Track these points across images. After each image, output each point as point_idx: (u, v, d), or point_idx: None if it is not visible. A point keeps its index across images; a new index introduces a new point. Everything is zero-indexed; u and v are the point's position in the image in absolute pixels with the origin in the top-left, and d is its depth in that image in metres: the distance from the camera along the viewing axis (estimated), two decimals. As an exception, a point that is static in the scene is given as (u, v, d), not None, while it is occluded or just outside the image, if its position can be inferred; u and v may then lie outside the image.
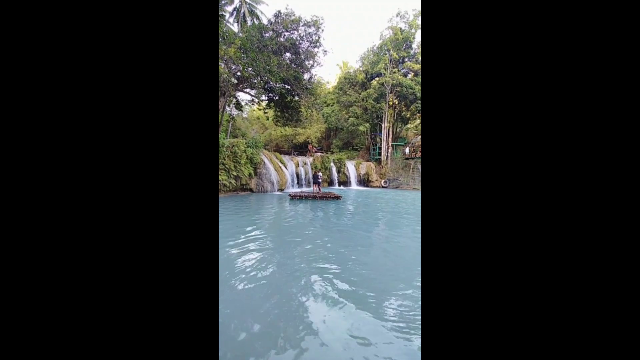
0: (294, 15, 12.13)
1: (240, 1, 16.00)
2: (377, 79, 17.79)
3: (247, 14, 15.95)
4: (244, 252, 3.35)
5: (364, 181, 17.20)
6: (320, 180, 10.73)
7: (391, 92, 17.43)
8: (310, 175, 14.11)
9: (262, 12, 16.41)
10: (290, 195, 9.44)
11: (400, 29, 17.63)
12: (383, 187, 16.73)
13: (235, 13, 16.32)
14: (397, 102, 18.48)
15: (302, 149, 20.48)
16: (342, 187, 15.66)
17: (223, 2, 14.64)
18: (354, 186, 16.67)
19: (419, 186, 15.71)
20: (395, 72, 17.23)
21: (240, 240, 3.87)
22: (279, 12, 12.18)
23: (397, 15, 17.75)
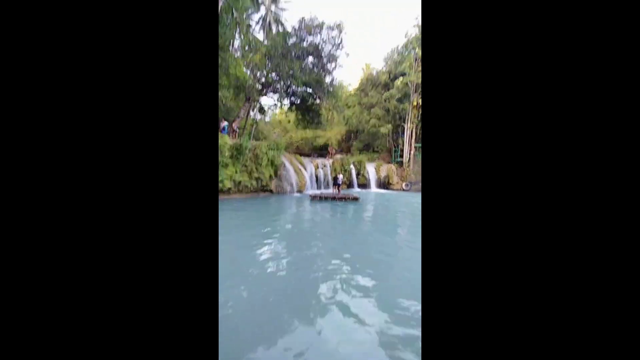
0: (317, 20, 12.34)
1: (266, 9, 16.65)
2: (400, 78, 17.25)
3: (272, 21, 16.58)
4: (271, 247, 3.62)
5: (384, 184, 16.77)
6: (340, 182, 11.07)
7: (416, 92, 16.77)
8: (330, 178, 14.17)
9: (286, 19, 16.93)
10: (310, 195, 9.83)
11: (427, 26, 16.85)
12: (404, 190, 16.16)
13: (261, 21, 17.05)
14: (421, 102, 17.70)
15: (322, 151, 20.61)
16: (361, 190, 15.46)
17: (250, 11, 15.39)
18: (374, 189, 16.35)
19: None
20: (420, 71, 16.55)
21: (270, 235, 4.18)
22: (303, 18, 12.49)
23: (423, 13, 17.02)
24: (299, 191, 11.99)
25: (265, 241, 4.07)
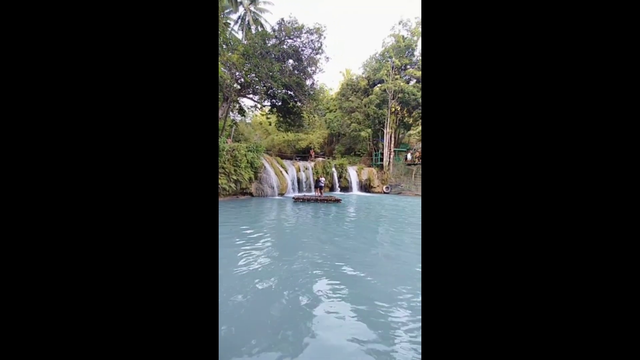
0: (297, 23, 12.35)
1: (245, 9, 16.40)
2: (379, 85, 17.91)
3: (251, 22, 16.33)
4: (259, 248, 3.31)
5: (366, 187, 17.06)
6: (322, 185, 11.14)
7: (393, 99, 17.47)
8: (312, 180, 14.10)
9: (266, 21, 16.80)
10: (294, 198, 9.96)
11: (403, 36, 17.83)
12: (385, 192, 16.57)
13: (240, 21, 16.72)
14: (399, 109, 18.49)
15: (304, 154, 20.53)
16: (343, 193, 15.55)
17: (227, 10, 15.02)
18: (356, 191, 16.53)
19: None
20: (397, 79, 17.31)
21: (253, 238, 3.82)
22: (282, 19, 12.42)
23: (399, 23, 17.99)
24: (281, 194, 11.69)
25: (257, 235, 3.80)
